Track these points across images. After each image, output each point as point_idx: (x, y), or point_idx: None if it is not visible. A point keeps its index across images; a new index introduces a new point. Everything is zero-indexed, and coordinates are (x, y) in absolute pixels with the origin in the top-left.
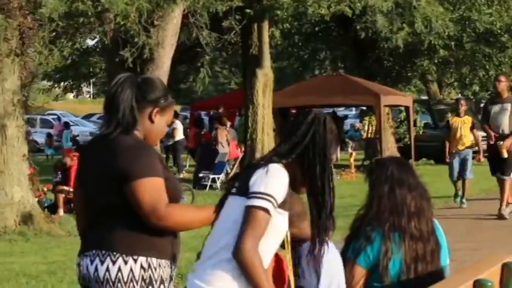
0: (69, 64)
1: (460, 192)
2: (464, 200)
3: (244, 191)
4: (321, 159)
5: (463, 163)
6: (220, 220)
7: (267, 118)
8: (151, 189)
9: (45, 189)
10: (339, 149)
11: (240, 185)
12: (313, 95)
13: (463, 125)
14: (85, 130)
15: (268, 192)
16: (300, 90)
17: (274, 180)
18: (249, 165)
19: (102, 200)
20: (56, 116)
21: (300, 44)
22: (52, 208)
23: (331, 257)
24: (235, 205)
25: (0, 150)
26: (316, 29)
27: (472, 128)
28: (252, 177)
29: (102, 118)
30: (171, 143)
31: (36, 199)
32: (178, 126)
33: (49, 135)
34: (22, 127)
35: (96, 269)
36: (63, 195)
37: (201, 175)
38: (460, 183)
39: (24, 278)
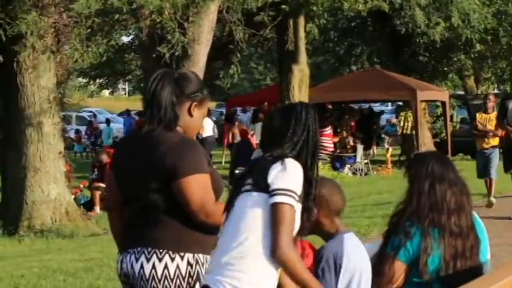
0: (104, 61)
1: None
2: (492, 199)
3: (263, 187)
4: (314, 151)
5: (487, 162)
6: (237, 217)
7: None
8: (199, 186)
9: (82, 186)
10: (375, 144)
11: (255, 181)
12: (349, 91)
13: (488, 122)
14: (120, 127)
15: (291, 188)
16: (336, 86)
17: (293, 175)
18: (258, 161)
19: (147, 197)
20: (91, 113)
21: (335, 39)
22: (88, 205)
23: (351, 251)
24: (252, 201)
25: (36, 147)
26: (352, 24)
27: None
28: (270, 173)
29: (137, 115)
30: (199, 138)
31: (73, 196)
32: (206, 122)
33: (77, 132)
34: (58, 124)
35: (141, 267)
36: (100, 192)
37: (237, 171)
38: (488, 181)
39: (61, 275)
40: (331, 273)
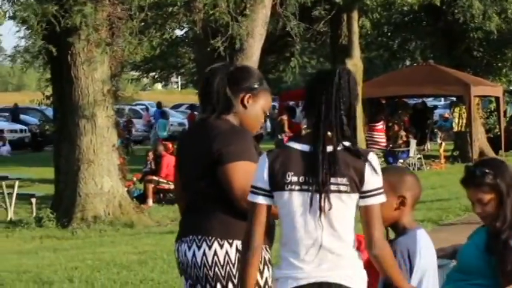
0: (158, 54)
1: None
2: None
3: (354, 187)
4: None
5: None
6: (339, 219)
7: (357, 107)
8: (243, 173)
9: (135, 179)
10: (428, 139)
11: (354, 182)
12: (402, 85)
13: None
14: (173, 121)
15: (381, 186)
16: (389, 81)
17: (379, 171)
18: (338, 156)
19: (198, 185)
20: (144, 106)
21: (389, 34)
22: (141, 198)
23: (424, 249)
24: (343, 201)
25: (90, 140)
26: (406, 19)
27: None
28: (365, 172)
29: (189, 108)
30: None
31: (126, 189)
32: None
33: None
34: (112, 117)
35: (193, 254)
36: (153, 185)
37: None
38: None
39: (115, 267)
40: (407, 270)
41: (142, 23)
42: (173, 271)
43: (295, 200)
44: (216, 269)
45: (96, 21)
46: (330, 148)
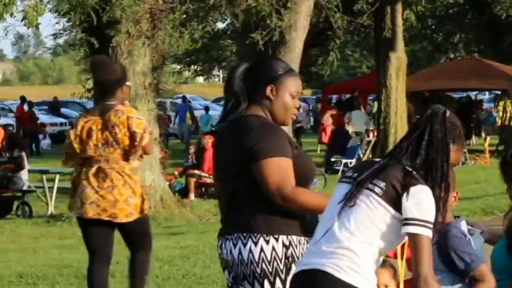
0: (199, 47)
1: None
2: None
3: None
4: (442, 162)
5: None
6: (357, 215)
7: (400, 102)
8: (278, 169)
9: (176, 173)
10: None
11: (386, 190)
12: (446, 79)
13: None
14: (214, 114)
15: (427, 219)
16: (433, 74)
17: (428, 205)
18: (391, 168)
19: (238, 182)
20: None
21: (433, 27)
22: (183, 192)
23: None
24: (378, 208)
25: None
26: (450, 11)
27: None
28: (403, 196)
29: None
30: None
31: (167, 183)
32: None
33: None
34: (153, 110)
35: (239, 252)
36: (194, 179)
37: (333, 159)
38: None
39: (157, 262)
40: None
41: (184, 16)
42: (215, 266)
43: (339, 189)
44: (263, 265)
45: (137, 14)
46: (392, 161)
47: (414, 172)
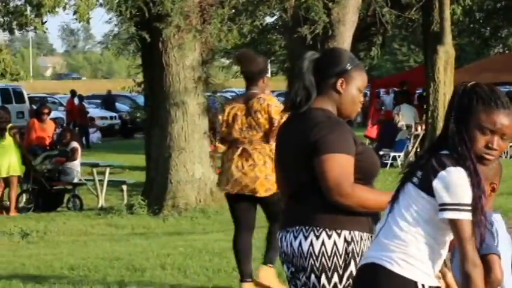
0: (248, 42)
1: None
2: None
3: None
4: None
5: None
6: (404, 207)
7: (448, 96)
8: (337, 165)
9: None
10: None
11: (423, 179)
12: (494, 72)
13: None
14: None
15: (462, 202)
16: (481, 68)
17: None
18: (433, 156)
19: (301, 176)
20: (234, 94)
21: (481, 21)
22: None
23: (500, 228)
24: (422, 201)
25: (181, 127)
26: (498, 5)
27: None
28: (434, 182)
29: (281, 95)
30: None
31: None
32: None
33: None
34: (203, 104)
35: (300, 244)
36: None
37: (381, 153)
38: None
39: (207, 254)
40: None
41: (233, 10)
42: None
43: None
44: (323, 259)
45: (187, 8)
46: (432, 149)
47: (445, 154)
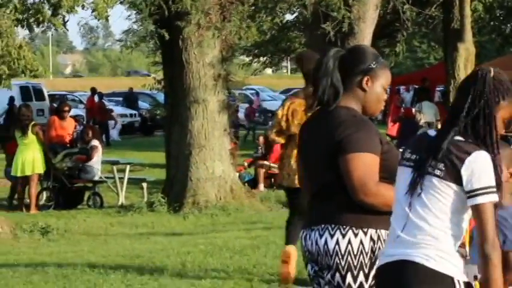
0: (268, 39)
1: None
2: None
3: (456, 179)
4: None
5: None
6: (429, 202)
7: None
8: (363, 164)
9: (246, 164)
10: None
11: (447, 170)
12: None
13: None
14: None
15: (490, 185)
16: (501, 65)
17: (488, 170)
18: (448, 146)
19: (326, 175)
20: (254, 91)
21: (501, 18)
22: (252, 183)
23: None
24: (445, 190)
25: (201, 124)
26: None
27: None
28: (462, 169)
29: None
30: None
31: (237, 174)
32: None
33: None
34: (223, 102)
35: (325, 243)
36: (264, 170)
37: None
38: None
39: (227, 252)
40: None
41: (253, 7)
42: None
43: (401, 174)
44: (349, 258)
45: (206, 5)
46: (444, 135)
47: (466, 140)
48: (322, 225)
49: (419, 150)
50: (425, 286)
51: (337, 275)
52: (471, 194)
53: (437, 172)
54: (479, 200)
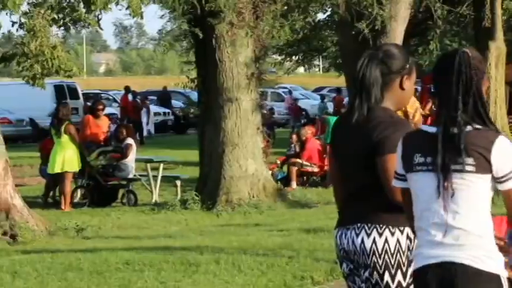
0: (300, 38)
1: None
2: None
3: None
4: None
5: None
6: (465, 201)
7: (500, 91)
8: None
9: (278, 162)
10: None
11: (477, 162)
12: None
13: None
14: (315, 104)
15: None
16: None
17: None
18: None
19: (363, 175)
20: (286, 90)
21: None
22: (285, 181)
23: None
24: (478, 183)
25: (234, 123)
26: None
27: None
28: (492, 155)
29: (332, 91)
30: None
31: (270, 172)
32: None
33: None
34: (256, 100)
35: (362, 242)
36: (296, 168)
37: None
38: None
39: (260, 249)
40: None
41: (286, 6)
42: (318, 253)
43: (422, 180)
44: (386, 256)
45: (240, 4)
46: (454, 129)
47: (479, 128)
48: (358, 224)
49: (430, 151)
50: (474, 286)
51: (375, 273)
52: (502, 179)
53: (469, 168)
54: (504, 186)
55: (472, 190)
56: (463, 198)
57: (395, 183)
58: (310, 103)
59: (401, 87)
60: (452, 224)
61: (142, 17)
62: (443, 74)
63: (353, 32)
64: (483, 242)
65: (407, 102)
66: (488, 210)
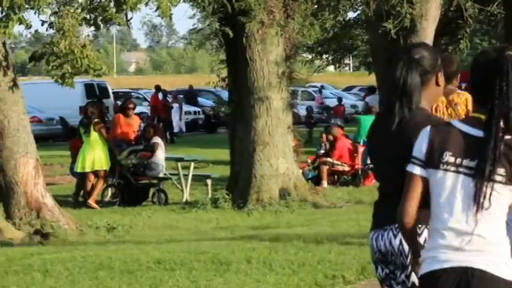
0: (331, 36)
1: None
2: None
3: None
4: None
5: None
6: (490, 209)
7: None
8: None
9: (309, 161)
10: None
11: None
12: None
13: None
14: (345, 103)
15: None
16: None
17: None
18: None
19: (400, 176)
20: (316, 88)
21: None
22: (315, 180)
23: None
24: (508, 195)
25: (265, 122)
26: None
27: None
28: None
29: (362, 90)
30: None
31: (300, 171)
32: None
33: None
34: (287, 99)
35: (400, 242)
36: (327, 167)
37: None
38: None
39: (292, 248)
40: None
41: (316, 5)
42: (350, 252)
43: (448, 180)
44: None
45: (270, 3)
46: (507, 137)
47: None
48: (396, 225)
49: (468, 154)
50: None
51: (413, 274)
52: None
53: (499, 178)
54: None
55: (500, 201)
56: (491, 209)
57: (415, 170)
58: (346, 102)
59: (438, 85)
60: (474, 232)
61: (171, 18)
62: (489, 77)
63: (382, 31)
64: (501, 249)
65: (437, 100)
66: (505, 219)
